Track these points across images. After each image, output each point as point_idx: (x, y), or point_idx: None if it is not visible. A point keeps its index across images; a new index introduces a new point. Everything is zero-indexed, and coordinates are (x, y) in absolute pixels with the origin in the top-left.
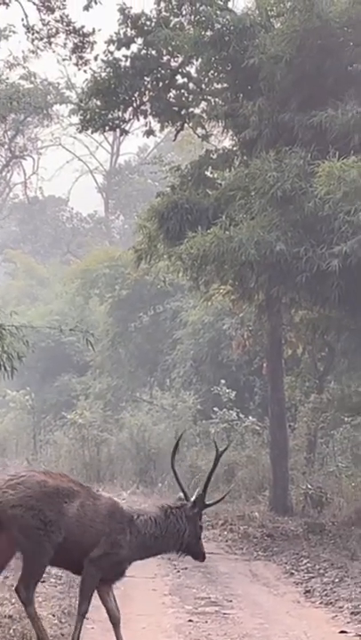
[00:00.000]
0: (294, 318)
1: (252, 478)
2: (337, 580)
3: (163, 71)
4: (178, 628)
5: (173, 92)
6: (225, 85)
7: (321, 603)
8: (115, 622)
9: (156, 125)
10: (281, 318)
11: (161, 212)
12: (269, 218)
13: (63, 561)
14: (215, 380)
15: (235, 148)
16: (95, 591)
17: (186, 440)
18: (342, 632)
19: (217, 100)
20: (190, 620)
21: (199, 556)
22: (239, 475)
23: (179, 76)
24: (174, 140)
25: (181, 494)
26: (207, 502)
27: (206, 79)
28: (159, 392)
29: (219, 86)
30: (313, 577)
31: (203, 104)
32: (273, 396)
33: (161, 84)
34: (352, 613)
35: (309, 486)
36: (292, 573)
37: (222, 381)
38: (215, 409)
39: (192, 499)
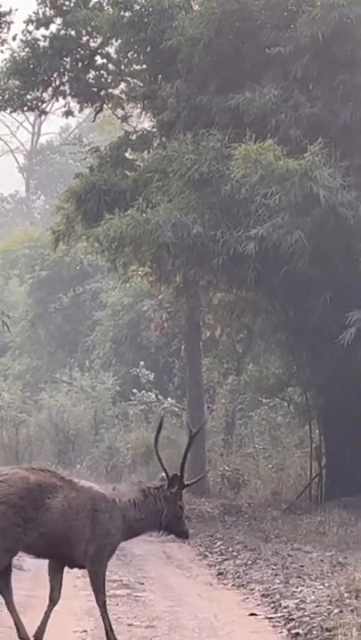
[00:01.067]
0: (212, 300)
1: (171, 460)
2: (250, 562)
3: (82, 51)
4: (89, 612)
5: (92, 72)
6: (144, 67)
7: (233, 585)
8: (53, 600)
9: (75, 106)
10: (199, 300)
11: (79, 194)
12: (187, 200)
13: (50, 554)
14: (134, 361)
15: (154, 130)
16: (49, 571)
17: (104, 422)
18: (252, 614)
19: (136, 81)
20: None
21: (182, 534)
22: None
23: (98, 57)
24: (93, 121)
25: (163, 474)
26: (186, 482)
27: (125, 60)
28: (79, 373)
29: (138, 67)
30: (226, 559)
31: (122, 85)
32: (191, 378)
33: (80, 64)
34: (263, 595)
35: (227, 468)
36: (206, 555)
37: (141, 363)
38: (134, 390)
39: (168, 478)
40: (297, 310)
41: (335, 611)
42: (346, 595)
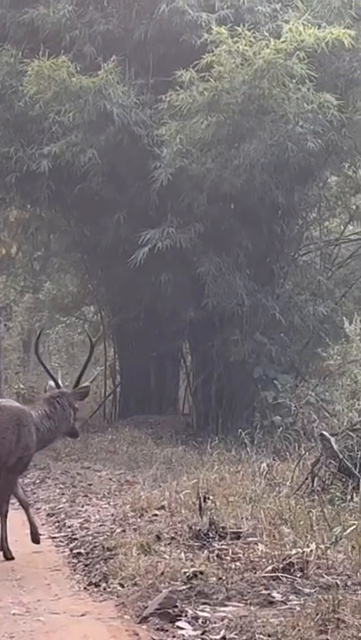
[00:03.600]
0: (8, 218)
1: None
2: (38, 482)
3: None
4: None
5: None
6: None
7: (20, 505)
8: (25, 506)
9: None
10: None
11: None
12: None
13: None
14: None
15: None
16: None
17: None
18: None
19: None
20: None
21: (75, 434)
22: None
23: None
24: None
25: (52, 383)
26: (81, 386)
27: None
28: None
29: None
30: None
31: None
32: None
33: None
34: (48, 515)
35: (22, 386)
36: None
37: None
38: None
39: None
40: (92, 229)
41: (118, 530)
42: (130, 514)
